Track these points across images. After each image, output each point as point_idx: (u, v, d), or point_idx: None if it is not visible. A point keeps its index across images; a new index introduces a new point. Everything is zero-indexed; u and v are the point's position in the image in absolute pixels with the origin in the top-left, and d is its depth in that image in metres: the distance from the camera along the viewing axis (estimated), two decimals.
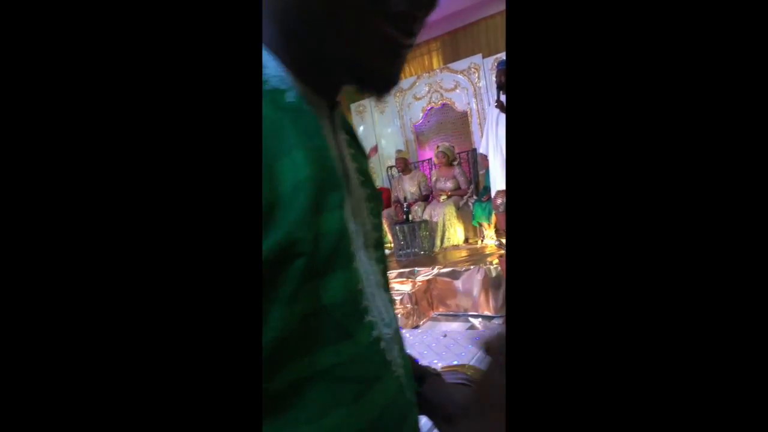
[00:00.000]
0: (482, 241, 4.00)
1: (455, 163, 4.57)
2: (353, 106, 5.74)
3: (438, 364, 2.13)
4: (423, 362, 1.75)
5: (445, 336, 2.40)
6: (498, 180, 3.51)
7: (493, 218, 3.88)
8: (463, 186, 4.46)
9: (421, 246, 4.06)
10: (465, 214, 4.20)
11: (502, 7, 4.01)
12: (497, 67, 3.83)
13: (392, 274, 3.56)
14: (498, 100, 3.33)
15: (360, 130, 5.74)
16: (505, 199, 3.33)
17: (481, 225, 4.02)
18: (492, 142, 3.52)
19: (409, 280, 3.48)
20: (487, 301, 3.15)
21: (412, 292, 3.30)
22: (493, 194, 3.64)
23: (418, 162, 5.16)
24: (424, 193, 4.68)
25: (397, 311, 3.06)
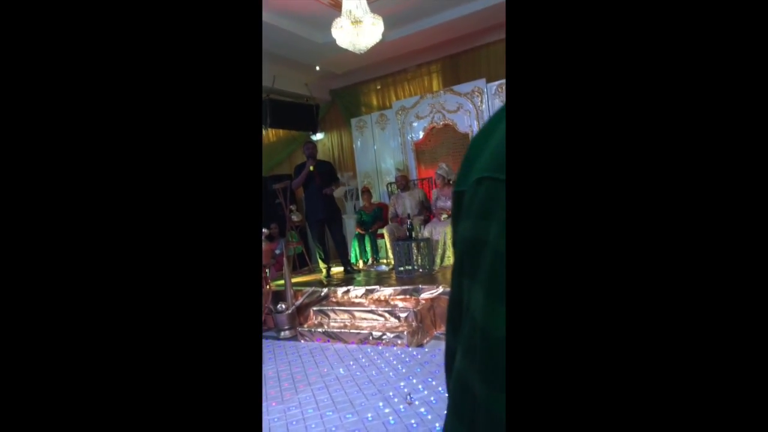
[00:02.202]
0: None
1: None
2: (353, 121, 5.70)
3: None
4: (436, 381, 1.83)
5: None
6: None
7: None
8: None
9: (421, 263, 4.13)
10: None
11: (504, 35, 3.93)
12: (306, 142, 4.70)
13: (395, 290, 3.61)
14: (310, 169, 4.24)
15: (358, 144, 5.76)
16: None
17: None
18: None
19: (413, 297, 3.51)
20: None
21: (417, 310, 3.34)
22: None
23: (418, 180, 5.31)
24: (424, 211, 4.93)
25: (401, 329, 3.12)
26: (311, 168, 4.36)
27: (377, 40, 3.54)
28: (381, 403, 2.34)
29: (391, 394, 2.44)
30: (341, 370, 2.90)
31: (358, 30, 3.40)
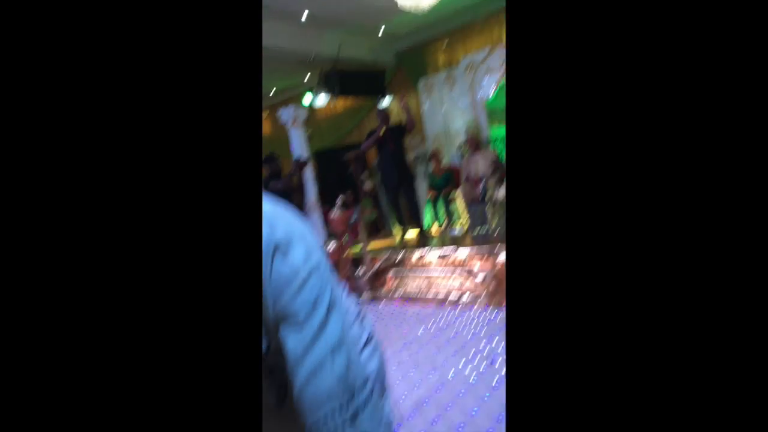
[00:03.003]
0: None
1: None
2: (420, 83, 5.56)
3: None
4: None
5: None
6: None
7: None
8: None
9: (496, 225, 4.04)
10: None
11: None
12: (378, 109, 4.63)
13: (470, 253, 3.56)
14: (380, 135, 4.18)
15: (426, 107, 5.63)
16: None
17: None
18: None
19: (489, 259, 3.47)
20: None
21: (495, 272, 3.32)
22: None
23: (489, 140, 5.10)
24: (498, 171, 4.75)
25: (478, 291, 3.13)
26: (381, 133, 4.36)
27: None
28: (461, 364, 2.39)
29: (471, 355, 2.47)
30: (420, 331, 2.99)
31: None
